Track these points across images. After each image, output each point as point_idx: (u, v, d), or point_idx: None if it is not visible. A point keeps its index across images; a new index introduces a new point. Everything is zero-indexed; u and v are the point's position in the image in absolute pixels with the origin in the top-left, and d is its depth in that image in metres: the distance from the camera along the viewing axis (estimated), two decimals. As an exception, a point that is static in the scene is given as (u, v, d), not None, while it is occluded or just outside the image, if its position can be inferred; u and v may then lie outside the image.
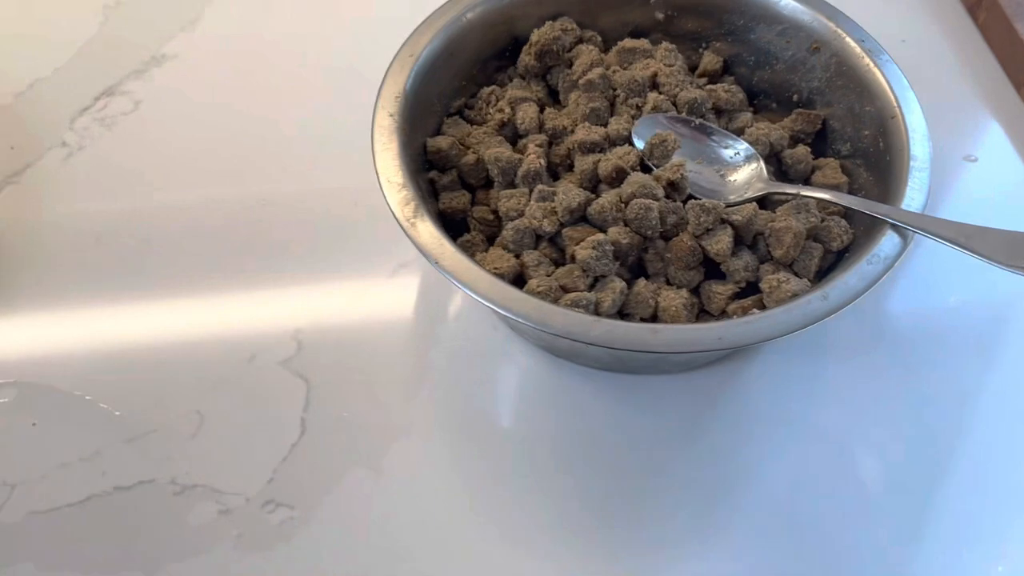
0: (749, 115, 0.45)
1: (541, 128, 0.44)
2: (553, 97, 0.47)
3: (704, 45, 0.49)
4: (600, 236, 0.38)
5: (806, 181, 0.44)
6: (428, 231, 0.37)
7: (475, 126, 0.46)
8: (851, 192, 0.42)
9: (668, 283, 0.40)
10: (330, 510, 0.40)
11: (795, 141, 0.45)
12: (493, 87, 0.46)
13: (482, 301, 0.36)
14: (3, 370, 0.44)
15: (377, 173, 0.39)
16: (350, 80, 0.54)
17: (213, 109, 0.54)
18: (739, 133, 0.44)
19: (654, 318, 0.39)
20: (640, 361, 0.41)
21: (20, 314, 0.46)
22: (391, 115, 0.41)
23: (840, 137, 0.44)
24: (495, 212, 0.43)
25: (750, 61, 0.48)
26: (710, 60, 0.48)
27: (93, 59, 0.57)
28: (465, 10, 0.45)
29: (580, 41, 0.47)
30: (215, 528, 0.39)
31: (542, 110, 0.45)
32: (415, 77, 0.43)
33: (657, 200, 0.39)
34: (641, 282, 0.39)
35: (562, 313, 0.35)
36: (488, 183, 0.44)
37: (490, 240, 0.43)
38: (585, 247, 0.38)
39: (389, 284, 0.46)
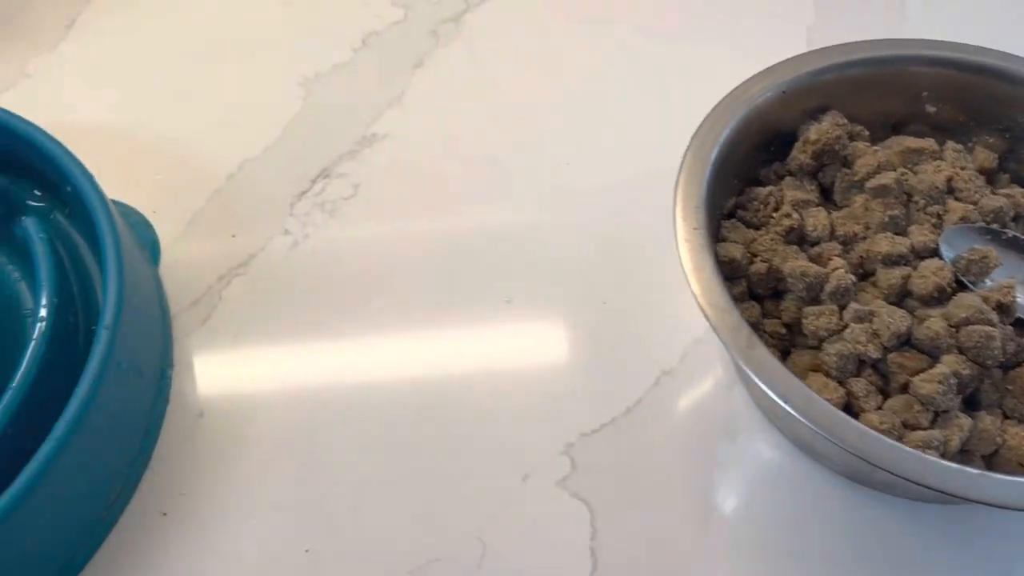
0: (1052, 222, 0.43)
1: (832, 235, 0.42)
2: (823, 195, 0.45)
3: (972, 139, 0.47)
4: (945, 370, 0.36)
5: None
6: (767, 361, 0.35)
7: (754, 230, 0.43)
8: None
9: (1006, 416, 0.37)
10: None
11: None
12: (770, 188, 0.44)
13: (839, 444, 0.33)
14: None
15: (697, 299, 0.36)
16: (589, 155, 0.52)
17: (432, 191, 0.52)
18: (1044, 242, 0.42)
19: (993, 455, 0.36)
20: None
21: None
22: (696, 228, 0.38)
23: None
24: (786, 325, 0.41)
25: (1025, 157, 0.45)
26: (985, 158, 0.45)
27: (301, 137, 0.55)
28: (743, 106, 0.43)
29: (851, 137, 0.45)
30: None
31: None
32: (707, 184, 0.40)
33: (994, 326, 0.37)
34: (987, 418, 0.36)
35: (937, 465, 0.32)
36: (775, 294, 0.42)
37: (783, 354, 0.40)
38: (929, 381, 0.36)
39: (654, 394, 0.44)
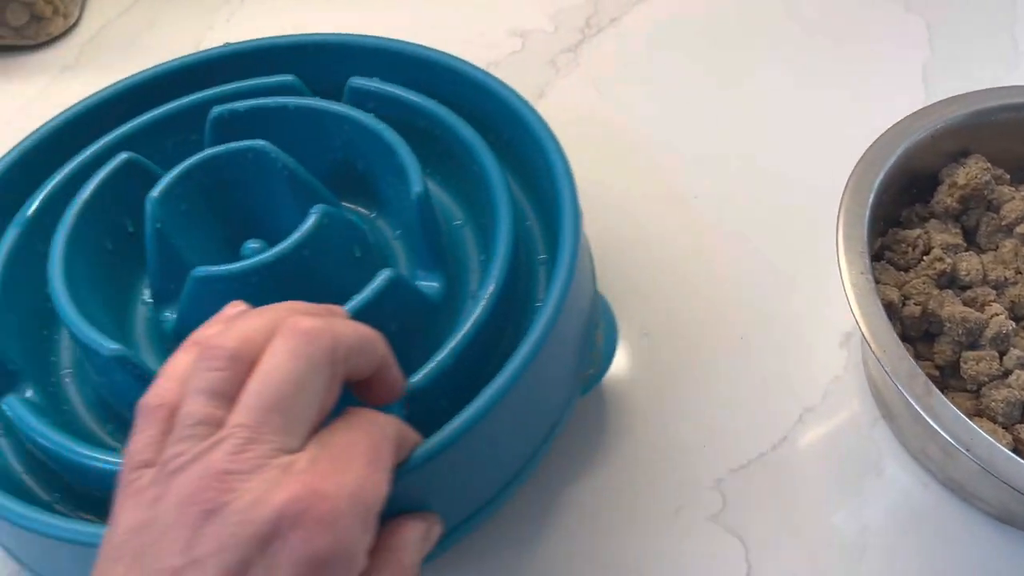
0: None
1: (984, 279, 0.42)
2: (966, 238, 0.46)
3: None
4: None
5: None
6: (947, 410, 0.35)
7: (903, 272, 0.44)
8: None
9: None
10: None
11: None
12: (919, 231, 0.44)
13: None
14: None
15: (871, 345, 0.37)
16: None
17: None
18: None
19: None
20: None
21: None
22: (862, 273, 0.39)
23: None
24: (939, 368, 0.41)
25: None
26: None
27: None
28: (896, 150, 0.44)
29: (997, 181, 0.46)
30: None
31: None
32: (867, 228, 0.41)
33: None
34: None
35: None
36: (926, 335, 0.42)
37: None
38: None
39: (798, 430, 0.45)
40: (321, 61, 0.47)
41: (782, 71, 0.60)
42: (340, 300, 0.36)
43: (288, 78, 0.46)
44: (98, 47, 0.60)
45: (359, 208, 0.46)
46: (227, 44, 0.48)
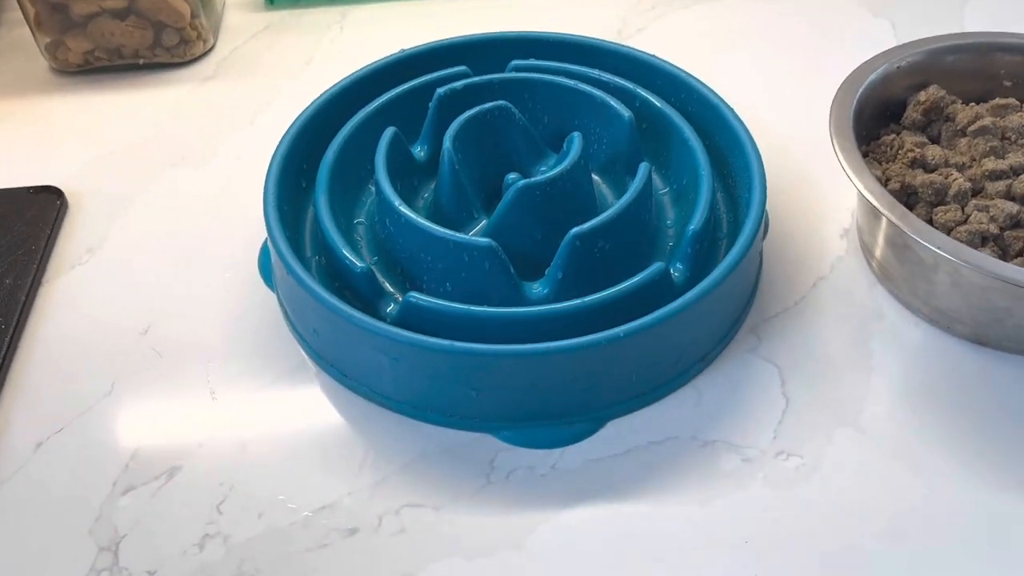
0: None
1: (947, 163, 0.55)
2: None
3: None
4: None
5: None
6: (919, 223, 0.48)
7: (885, 164, 0.57)
8: None
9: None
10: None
11: None
12: (893, 136, 0.58)
13: (989, 273, 0.46)
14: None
15: (858, 187, 0.50)
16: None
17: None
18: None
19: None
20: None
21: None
22: (853, 153, 0.52)
23: None
24: (921, 227, 0.54)
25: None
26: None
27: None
28: (865, 80, 0.57)
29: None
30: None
31: (938, 152, 0.57)
32: (852, 126, 0.54)
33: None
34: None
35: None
36: (907, 207, 0.55)
37: (917, 250, 0.53)
38: (1038, 240, 0.49)
39: (813, 294, 0.57)
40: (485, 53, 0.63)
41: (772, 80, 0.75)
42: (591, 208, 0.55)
43: (461, 68, 0.61)
44: (231, 63, 0.75)
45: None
46: (402, 50, 0.63)
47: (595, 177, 0.59)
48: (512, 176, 0.55)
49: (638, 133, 0.57)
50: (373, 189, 0.57)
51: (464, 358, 0.46)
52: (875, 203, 0.49)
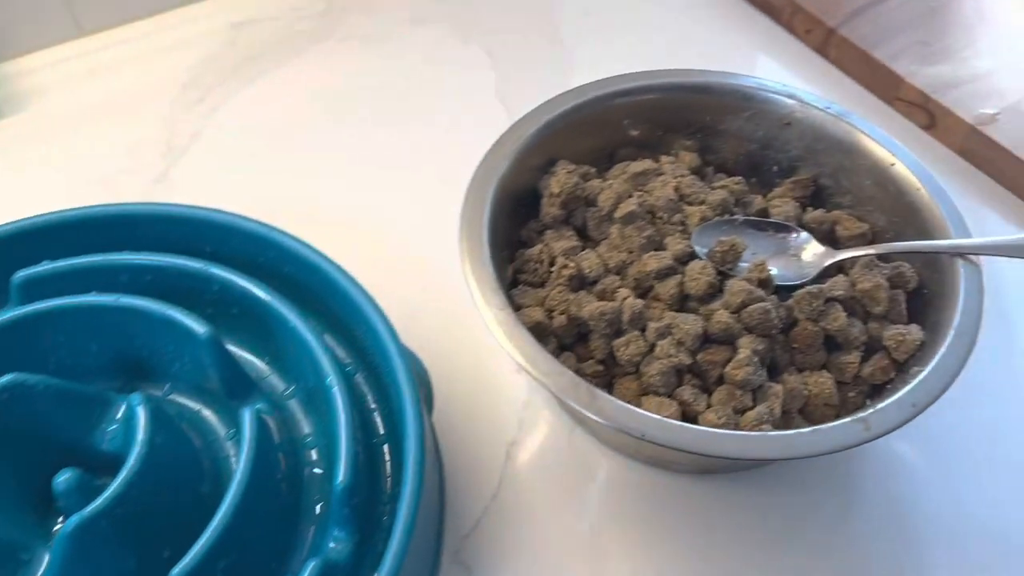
0: (761, 197, 0.50)
1: (607, 270, 0.46)
2: (581, 236, 0.49)
3: (673, 148, 0.53)
4: (745, 352, 0.41)
5: (833, 237, 0.49)
6: (613, 406, 0.38)
7: (540, 288, 0.46)
8: (877, 235, 0.48)
9: (800, 370, 0.43)
10: None
11: (802, 207, 0.50)
12: (540, 247, 0.47)
13: (707, 454, 0.37)
14: None
15: (532, 374, 0.39)
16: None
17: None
18: (764, 215, 0.49)
19: (804, 407, 0.42)
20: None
21: None
22: (501, 310, 0.41)
23: (837, 192, 0.50)
24: (601, 361, 0.44)
25: (722, 148, 0.53)
26: (690, 159, 0.52)
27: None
28: (491, 181, 0.46)
29: (584, 178, 0.50)
30: None
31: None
32: (490, 263, 0.43)
33: (765, 301, 0.42)
34: (789, 378, 0.42)
35: (767, 437, 0.37)
36: (581, 337, 0.45)
37: (609, 387, 0.44)
38: (738, 367, 0.41)
39: (510, 467, 0.46)
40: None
41: (377, 134, 0.62)
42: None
43: None
44: None
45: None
46: None
47: (195, 407, 0.43)
48: (63, 478, 0.37)
49: (221, 350, 0.41)
50: None
51: None
52: (555, 392, 0.38)
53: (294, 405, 0.43)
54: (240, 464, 0.37)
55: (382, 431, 0.42)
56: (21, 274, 0.43)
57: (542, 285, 0.47)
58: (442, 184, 0.50)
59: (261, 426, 0.38)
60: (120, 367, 0.43)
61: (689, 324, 0.42)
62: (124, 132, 0.61)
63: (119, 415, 0.41)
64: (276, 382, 0.44)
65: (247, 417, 0.38)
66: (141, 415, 0.38)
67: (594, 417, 0.37)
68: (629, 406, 0.37)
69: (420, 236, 0.55)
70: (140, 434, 0.37)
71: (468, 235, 0.44)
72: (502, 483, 0.45)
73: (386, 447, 0.42)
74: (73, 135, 0.61)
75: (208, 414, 0.43)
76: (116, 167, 0.59)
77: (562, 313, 0.44)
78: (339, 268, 0.43)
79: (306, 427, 0.43)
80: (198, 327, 0.41)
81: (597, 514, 0.44)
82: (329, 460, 0.40)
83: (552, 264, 0.46)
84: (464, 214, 0.44)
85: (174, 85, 0.64)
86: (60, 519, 0.38)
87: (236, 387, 0.42)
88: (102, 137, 0.61)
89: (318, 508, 0.40)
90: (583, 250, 0.47)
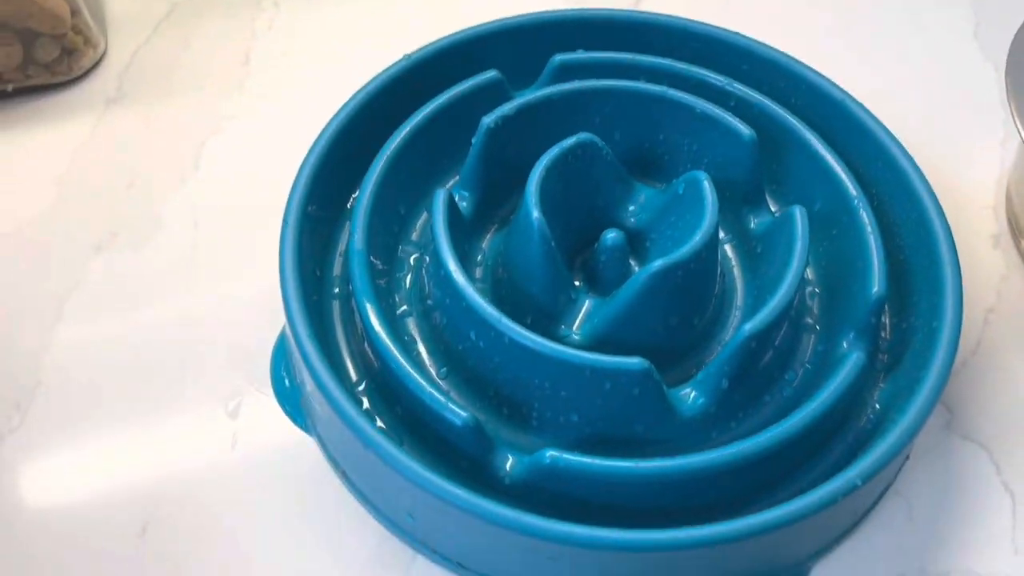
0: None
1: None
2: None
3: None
4: None
5: None
6: None
7: None
8: None
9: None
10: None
11: None
12: None
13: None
14: None
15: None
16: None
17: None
18: None
19: None
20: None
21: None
22: None
23: None
24: None
25: None
26: None
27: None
28: None
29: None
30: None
31: None
32: None
33: None
34: None
35: None
36: None
37: None
38: None
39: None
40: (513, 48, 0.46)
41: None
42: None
43: (491, 74, 0.44)
44: (138, 75, 0.54)
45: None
46: (406, 55, 0.44)
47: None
48: (611, 235, 0.40)
49: (760, 154, 0.43)
50: (412, 259, 0.42)
51: (678, 554, 0.33)
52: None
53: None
54: (796, 253, 0.39)
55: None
56: (559, 57, 0.46)
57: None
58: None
59: (801, 226, 0.40)
60: (626, 160, 0.46)
61: None
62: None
63: (641, 198, 0.44)
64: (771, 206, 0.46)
65: (797, 215, 0.40)
66: (707, 186, 0.40)
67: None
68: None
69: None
70: (709, 200, 0.39)
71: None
72: (980, 348, 0.45)
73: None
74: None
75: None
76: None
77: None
78: (854, 99, 0.44)
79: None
80: (743, 128, 0.43)
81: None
82: (827, 268, 0.42)
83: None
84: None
85: None
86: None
87: (753, 195, 0.44)
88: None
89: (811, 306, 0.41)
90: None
